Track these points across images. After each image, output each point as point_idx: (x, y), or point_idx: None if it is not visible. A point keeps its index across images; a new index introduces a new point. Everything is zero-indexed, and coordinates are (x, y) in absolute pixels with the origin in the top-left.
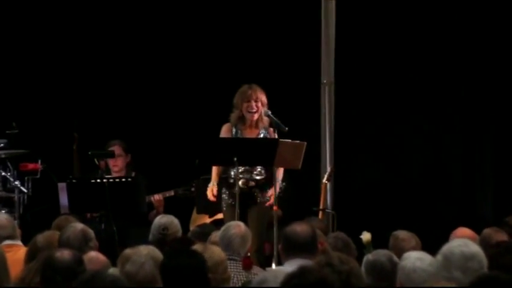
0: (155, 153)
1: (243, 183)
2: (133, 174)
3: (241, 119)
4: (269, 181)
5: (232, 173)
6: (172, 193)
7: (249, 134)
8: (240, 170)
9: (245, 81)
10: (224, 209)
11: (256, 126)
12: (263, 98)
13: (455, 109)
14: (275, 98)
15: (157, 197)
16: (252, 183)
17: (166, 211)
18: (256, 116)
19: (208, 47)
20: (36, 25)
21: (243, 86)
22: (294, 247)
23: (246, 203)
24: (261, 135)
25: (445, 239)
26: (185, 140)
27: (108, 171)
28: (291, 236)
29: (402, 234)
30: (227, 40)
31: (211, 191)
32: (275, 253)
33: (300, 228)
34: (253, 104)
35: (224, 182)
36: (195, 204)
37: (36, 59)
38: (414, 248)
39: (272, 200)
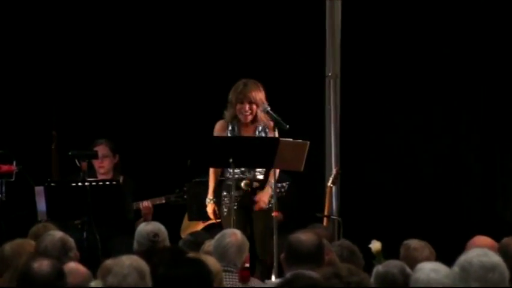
0: (144, 155)
1: (245, 185)
2: (121, 177)
3: (237, 117)
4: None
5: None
6: (163, 200)
7: (247, 130)
8: (242, 169)
9: (242, 75)
10: (225, 213)
11: (253, 123)
12: (258, 96)
13: (472, 104)
14: (275, 92)
15: (146, 203)
16: (256, 184)
17: (154, 218)
18: (249, 118)
19: (203, 39)
20: (11, 16)
21: (238, 83)
22: (297, 257)
23: (249, 206)
24: (260, 128)
25: (462, 248)
26: (178, 141)
27: (91, 173)
28: (295, 245)
29: (414, 243)
30: (223, 31)
31: (212, 210)
32: (275, 264)
33: (305, 236)
34: (247, 106)
35: (223, 184)
36: (186, 210)
37: (9, 49)
38: (428, 259)
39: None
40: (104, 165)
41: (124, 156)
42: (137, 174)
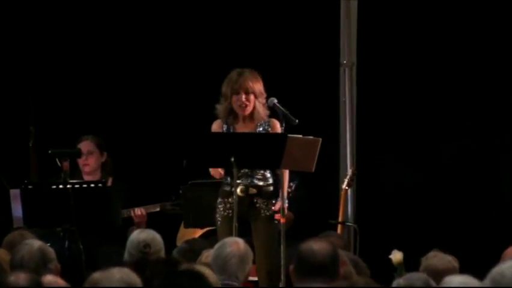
0: (136, 156)
1: (241, 191)
2: (111, 179)
3: (232, 112)
4: (276, 188)
5: (229, 178)
6: (157, 208)
7: (243, 128)
8: (237, 174)
9: (244, 64)
10: (219, 223)
11: (252, 119)
12: (257, 87)
13: (505, 97)
14: (282, 83)
15: (139, 211)
16: (253, 191)
17: (148, 226)
18: (248, 111)
19: (203, 28)
20: None
21: (232, 73)
22: (309, 269)
23: (246, 216)
24: (260, 128)
25: (494, 259)
26: (174, 140)
27: (76, 175)
28: (307, 256)
29: (434, 253)
30: (223, 20)
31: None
32: (283, 276)
33: (318, 246)
34: (243, 97)
35: (220, 190)
36: (182, 217)
37: None
38: (450, 271)
39: (277, 208)
40: (89, 162)
41: (114, 156)
42: (130, 177)
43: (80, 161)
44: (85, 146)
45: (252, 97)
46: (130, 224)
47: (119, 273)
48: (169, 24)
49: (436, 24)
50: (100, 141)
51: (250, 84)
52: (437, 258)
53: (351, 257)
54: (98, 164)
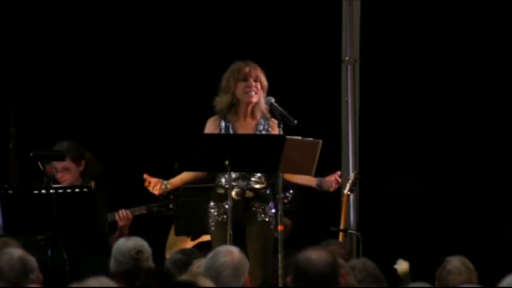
0: (119, 157)
1: (237, 194)
2: (92, 183)
3: (233, 107)
4: (272, 191)
5: (223, 180)
6: (143, 210)
7: (244, 126)
8: (233, 176)
9: (239, 59)
10: (212, 228)
11: (253, 115)
12: (263, 78)
13: None
14: (279, 81)
15: (124, 213)
16: (250, 194)
17: (132, 232)
18: (255, 99)
19: (197, 20)
20: None
21: (235, 63)
22: (307, 280)
23: (242, 220)
24: (260, 127)
25: (506, 268)
26: (161, 140)
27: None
28: (305, 266)
29: (450, 262)
30: (221, 14)
31: (155, 185)
32: (280, 286)
33: (316, 255)
34: (253, 83)
35: (212, 192)
36: (172, 224)
37: None
38: (467, 281)
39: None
40: (66, 179)
41: (99, 160)
42: (112, 181)
43: (57, 176)
44: (59, 162)
45: (259, 86)
46: (112, 229)
47: (95, 283)
48: (159, 20)
49: (447, 16)
50: (74, 153)
51: (258, 72)
52: (454, 272)
53: (369, 267)
54: (77, 175)
